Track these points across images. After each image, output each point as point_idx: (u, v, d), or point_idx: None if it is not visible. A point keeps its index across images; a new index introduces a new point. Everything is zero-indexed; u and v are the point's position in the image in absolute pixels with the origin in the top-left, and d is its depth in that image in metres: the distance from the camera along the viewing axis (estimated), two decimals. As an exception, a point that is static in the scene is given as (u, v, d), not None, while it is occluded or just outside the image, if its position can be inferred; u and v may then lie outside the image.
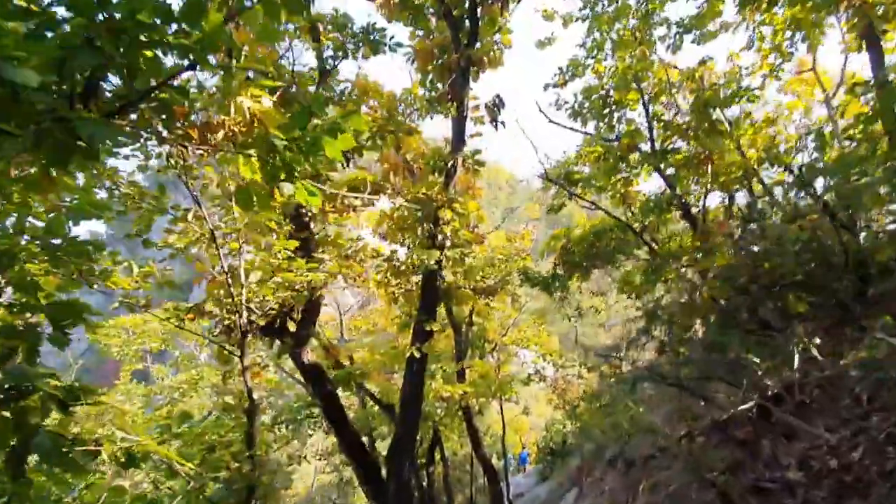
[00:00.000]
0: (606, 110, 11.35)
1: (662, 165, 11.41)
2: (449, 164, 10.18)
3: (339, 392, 11.95)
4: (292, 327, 8.69)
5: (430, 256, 9.31)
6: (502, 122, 10.38)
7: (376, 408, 15.02)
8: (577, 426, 18.92)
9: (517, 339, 21.74)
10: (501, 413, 21.51)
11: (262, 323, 7.78)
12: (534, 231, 20.11)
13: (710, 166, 11.05)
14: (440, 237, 9.91)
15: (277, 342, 8.51)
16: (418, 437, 19.64)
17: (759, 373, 6.56)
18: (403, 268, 10.66)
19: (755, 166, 11.58)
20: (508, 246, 18.30)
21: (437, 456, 19.75)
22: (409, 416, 9.27)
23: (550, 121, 13.80)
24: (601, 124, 11.95)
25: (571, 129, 13.35)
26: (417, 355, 9.13)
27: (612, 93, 11.41)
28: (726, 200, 13.62)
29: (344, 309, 19.53)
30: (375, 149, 9.43)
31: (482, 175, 11.34)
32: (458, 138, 10.26)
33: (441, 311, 18.26)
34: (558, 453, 25.63)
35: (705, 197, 11.20)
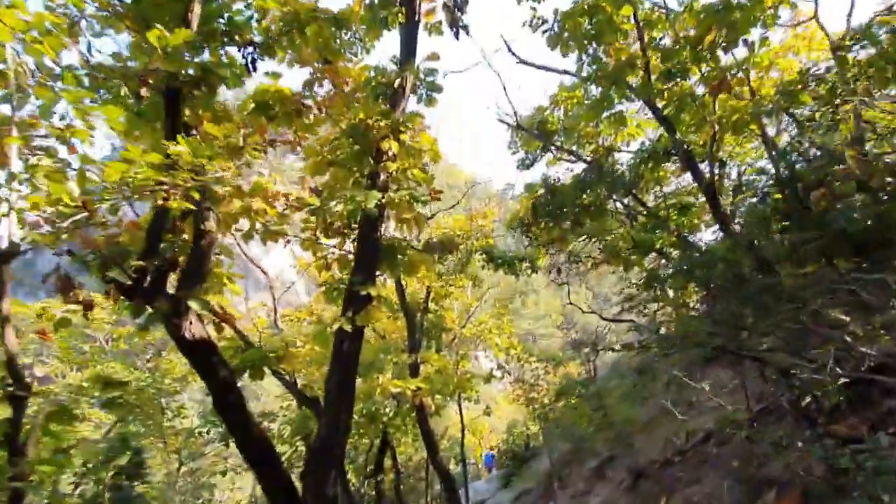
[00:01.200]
0: (592, 32, 9.11)
1: (661, 104, 9.26)
2: (396, 84, 7.79)
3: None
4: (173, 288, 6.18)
5: (368, 199, 6.84)
6: (464, 27, 8.03)
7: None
8: (546, 425, 16.87)
9: (478, 330, 19.59)
10: (461, 413, 19.14)
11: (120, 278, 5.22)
12: (498, 211, 18.01)
13: (717, 101, 8.95)
14: (383, 176, 7.50)
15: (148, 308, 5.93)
16: (368, 442, 17.28)
17: (849, 339, 4.40)
18: (338, 224, 8.19)
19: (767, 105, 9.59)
20: (471, 224, 16.25)
21: (388, 462, 17.41)
22: (337, 409, 6.74)
23: (520, 60, 11.59)
24: (584, 56, 9.72)
25: (546, 68, 11.15)
26: (349, 328, 6.66)
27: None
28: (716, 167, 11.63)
29: (283, 291, 16.77)
30: (292, 48, 6.95)
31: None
32: (408, 50, 7.87)
33: (394, 299, 15.96)
34: (520, 457, 23.70)
35: (713, 141, 9.03)
